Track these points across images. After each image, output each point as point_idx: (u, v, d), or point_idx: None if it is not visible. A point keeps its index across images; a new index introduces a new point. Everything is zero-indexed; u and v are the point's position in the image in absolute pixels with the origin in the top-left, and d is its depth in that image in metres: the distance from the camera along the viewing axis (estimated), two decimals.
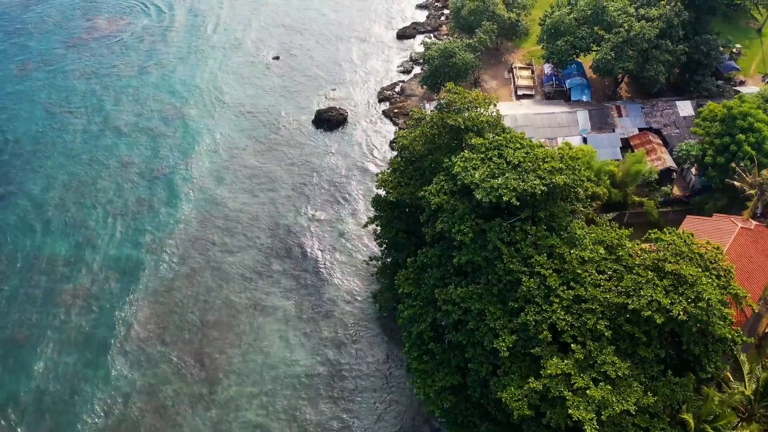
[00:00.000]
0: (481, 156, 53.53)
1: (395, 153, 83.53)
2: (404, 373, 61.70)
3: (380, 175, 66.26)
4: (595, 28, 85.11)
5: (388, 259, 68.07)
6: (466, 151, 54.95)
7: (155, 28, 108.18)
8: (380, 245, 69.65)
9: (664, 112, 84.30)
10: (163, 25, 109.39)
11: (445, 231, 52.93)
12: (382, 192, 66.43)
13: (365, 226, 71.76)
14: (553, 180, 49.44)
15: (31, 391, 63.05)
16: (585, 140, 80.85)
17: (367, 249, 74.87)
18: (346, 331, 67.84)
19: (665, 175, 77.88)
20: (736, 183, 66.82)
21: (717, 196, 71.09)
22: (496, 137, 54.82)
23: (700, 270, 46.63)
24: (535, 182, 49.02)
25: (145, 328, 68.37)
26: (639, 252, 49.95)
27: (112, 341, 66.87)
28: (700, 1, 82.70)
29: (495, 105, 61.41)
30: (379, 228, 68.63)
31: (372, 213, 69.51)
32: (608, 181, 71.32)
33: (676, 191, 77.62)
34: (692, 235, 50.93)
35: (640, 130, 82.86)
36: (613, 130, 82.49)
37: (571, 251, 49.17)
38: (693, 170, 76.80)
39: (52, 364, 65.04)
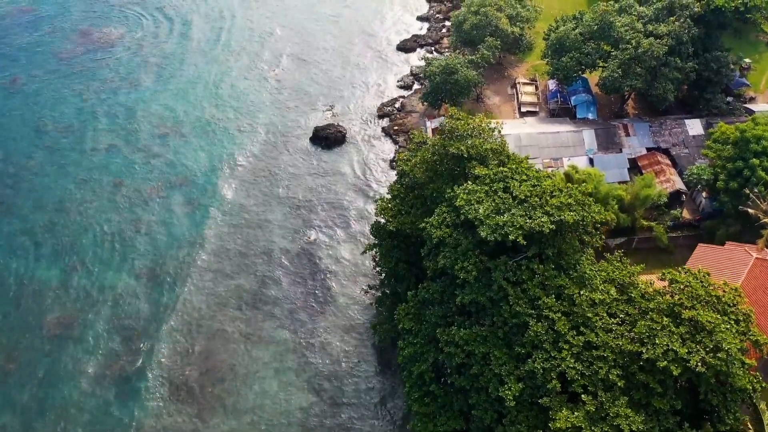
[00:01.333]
0: (486, 188, 50.99)
1: (395, 174, 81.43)
2: (404, 413, 59.09)
3: (379, 202, 63.79)
4: (602, 43, 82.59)
5: (387, 289, 65.46)
6: (470, 183, 52.40)
7: (150, 41, 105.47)
8: (379, 273, 67.08)
9: (672, 131, 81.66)
10: (158, 37, 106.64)
11: (448, 267, 50.40)
12: (381, 219, 63.91)
13: (364, 252, 69.30)
14: (562, 217, 46.84)
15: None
16: (591, 161, 78.25)
17: (365, 275, 72.24)
18: (344, 363, 65.20)
19: (674, 197, 75.24)
20: (749, 210, 64.22)
21: (729, 222, 68.50)
22: (501, 168, 52.22)
23: (718, 315, 43.98)
24: (542, 219, 46.44)
25: (134, 359, 65.66)
26: (652, 293, 47.27)
27: (103, 372, 64.25)
28: (710, 17, 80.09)
29: (499, 131, 58.82)
30: (378, 255, 66.20)
31: (371, 237, 67.04)
32: (616, 206, 68.74)
33: (685, 214, 75.01)
34: (708, 274, 48.28)
35: (648, 149, 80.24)
36: (620, 150, 79.86)
37: (581, 292, 46.58)
38: (703, 193, 74.18)
39: (37, 400, 62.44)
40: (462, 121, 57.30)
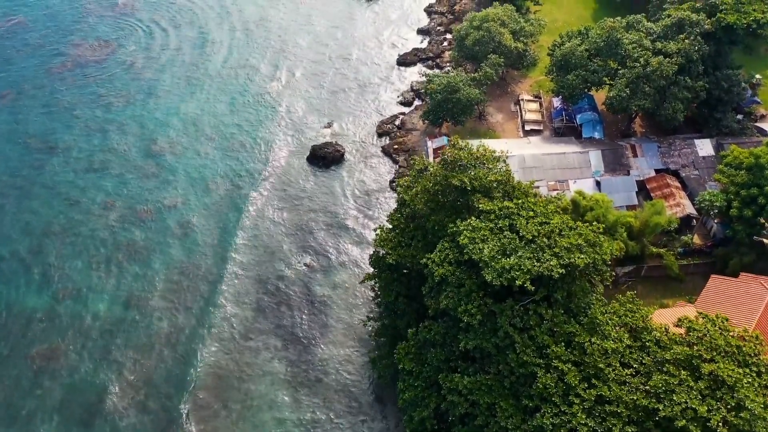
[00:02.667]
0: (490, 225, 48.31)
1: (395, 198, 78.80)
2: None
3: (379, 232, 61.13)
4: (609, 60, 79.91)
5: (386, 320, 62.76)
6: (473, 219, 49.71)
7: (142, 55, 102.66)
8: (378, 305, 64.44)
9: (681, 151, 79.01)
10: (151, 51, 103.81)
11: (450, 308, 47.78)
12: (380, 250, 61.20)
13: (363, 281, 66.62)
14: (572, 260, 44.15)
15: None
16: (598, 183, 75.59)
17: (364, 303, 69.59)
18: (341, 399, 62.49)
19: (684, 222, 72.60)
20: (765, 240, 61.57)
21: (743, 251, 65.81)
22: (506, 203, 49.53)
23: (739, 369, 41.27)
24: (551, 263, 43.76)
25: (125, 392, 63.14)
26: (668, 341, 44.53)
27: (92, 406, 61.62)
28: (721, 34, 77.30)
29: (504, 160, 56.15)
30: (377, 286, 63.63)
31: (371, 260, 64.19)
32: (625, 234, 66.07)
33: (696, 240, 72.35)
34: (727, 319, 45.61)
35: (657, 171, 77.62)
36: (628, 172, 77.18)
37: (592, 340, 43.91)
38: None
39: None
40: (465, 151, 54.60)
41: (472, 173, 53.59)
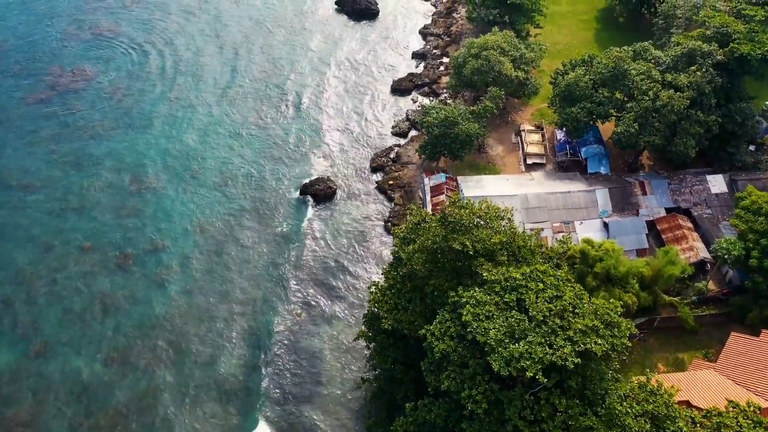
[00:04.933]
0: (496, 299, 43.83)
1: (390, 235, 74.56)
2: None
3: (373, 290, 56.61)
4: (615, 92, 75.55)
5: (382, 384, 58.26)
6: (477, 290, 45.23)
7: (125, 83, 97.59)
8: (374, 368, 59.89)
9: (693, 188, 74.71)
10: (132, 78, 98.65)
11: (453, 391, 43.34)
12: (375, 309, 56.69)
13: (356, 339, 62.01)
14: (588, 345, 39.70)
15: None
16: (606, 225, 71.22)
17: (357, 359, 65.04)
18: None
19: (698, 266, 68.35)
20: None
21: (763, 303, 61.63)
22: (512, 274, 45.02)
23: None
24: (565, 350, 39.28)
25: None
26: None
27: None
28: (734, 65, 73.06)
29: (509, 219, 51.69)
30: (372, 345, 59.11)
31: (366, 319, 59.66)
32: (637, 286, 61.76)
33: (711, 286, 68.05)
34: (760, 408, 41.26)
35: (667, 209, 73.34)
36: (637, 212, 72.83)
37: None
38: None
39: None
40: (466, 210, 50.09)
41: (475, 234, 49.13)
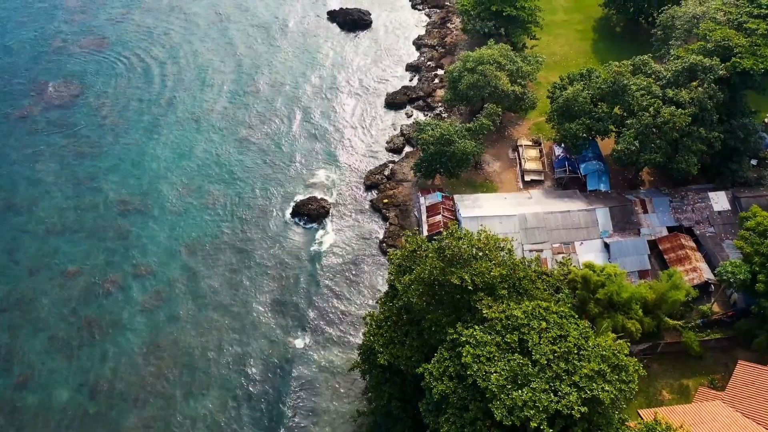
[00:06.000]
0: (497, 339, 41.83)
1: (385, 256, 72.57)
2: None
3: (369, 321, 54.55)
4: (615, 107, 73.69)
5: (378, 419, 56.12)
6: (477, 329, 43.23)
7: (111, 99, 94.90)
8: (369, 402, 57.82)
9: (695, 206, 72.88)
10: (120, 92, 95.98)
11: None
12: (370, 341, 54.58)
13: (351, 369, 59.86)
14: (595, 392, 37.72)
15: None
16: (607, 246, 69.32)
17: (354, 390, 62.94)
18: None
19: (702, 287, 66.55)
20: None
21: None
22: (514, 312, 43.02)
23: None
24: (571, 398, 37.32)
25: None
26: None
27: None
28: (736, 79, 71.30)
29: (509, 250, 49.70)
30: (367, 377, 57.09)
31: (361, 352, 57.58)
32: (640, 312, 59.89)
33: (715, 307, 66.28)
34: None
35: (669, 228, 71.54)
36: (638, 231, 70.99)
37: None
38: None
39: None
40: (465, 241, 48.06)
41: (473, 267, 47.10)
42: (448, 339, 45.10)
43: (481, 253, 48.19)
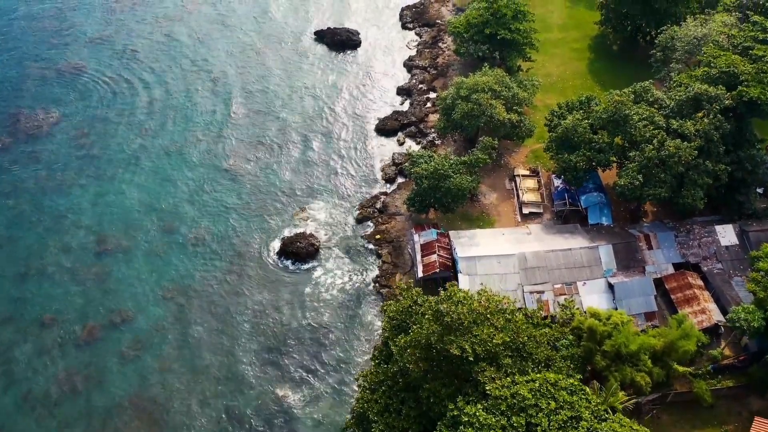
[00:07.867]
0: (502, 422, 38.33)
1: (378, 295, 69.17)
2: None
3: (361, 386, 51.00)
4: (616, 137, 70.44)
5: None
6: (479, 408, 39.72)
7: (90, 128, 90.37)
8: None
9: (702, 240, 69.79)
10: (100, 121, 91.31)
11: None
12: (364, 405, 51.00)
13: (344, 431, 56.18)
14: None
15: None
16: (611, 286, 66.08)
17: None
18: None
19: (711, 329, 63.44)
20: None
21: None
22: (520, 389, 39.55)
23: None
24: None
25: None
26: None
27: None
28: (743, 109, 68.24)
29: (511, 312, 46.24)
30: None
31: (354, 416, 53.90)
32: (649, 362, 56.63)
33: (726, 352, 63.15)
34: None
35: (675, 265, 68.37)
36: (644, 269, 67.85)
37: None
38: None
39: None
40: (465, 305, 44.54)
41: (474, 333, 43.62)
42: (448, 415, 41.62)
43: (482, 318, 44.64)
